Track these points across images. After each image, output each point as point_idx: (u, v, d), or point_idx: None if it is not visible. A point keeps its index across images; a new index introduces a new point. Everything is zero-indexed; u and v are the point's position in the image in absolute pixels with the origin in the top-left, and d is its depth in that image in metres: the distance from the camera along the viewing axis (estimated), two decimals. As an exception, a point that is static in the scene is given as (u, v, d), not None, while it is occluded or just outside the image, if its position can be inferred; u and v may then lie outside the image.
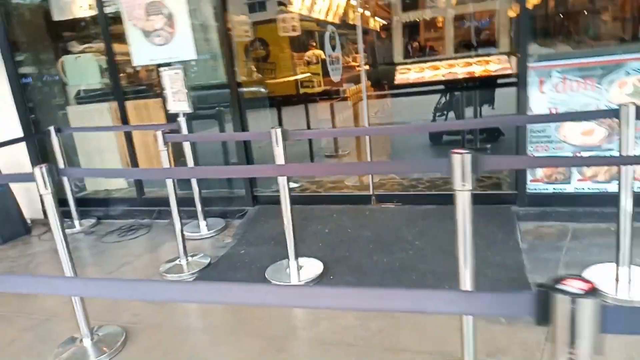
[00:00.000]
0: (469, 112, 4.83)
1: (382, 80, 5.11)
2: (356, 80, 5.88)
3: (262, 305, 1.08)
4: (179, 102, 3.38)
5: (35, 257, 3.44)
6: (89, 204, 4.07)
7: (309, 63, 6.20)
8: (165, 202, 3.90)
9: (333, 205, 3.53)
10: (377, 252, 2.82)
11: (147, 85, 4.78)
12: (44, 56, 4.48)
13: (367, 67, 5.87)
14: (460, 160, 1.41)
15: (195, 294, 1.07)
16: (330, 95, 5.27)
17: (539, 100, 2.91)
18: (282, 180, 2.57)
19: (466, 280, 1.53)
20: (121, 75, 4.25)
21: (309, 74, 5.92)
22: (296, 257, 2.67)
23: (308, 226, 3.23)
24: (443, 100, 5.04)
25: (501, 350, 1.91)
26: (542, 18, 3.29)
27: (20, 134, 4.05)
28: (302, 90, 5.61)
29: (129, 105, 4.05)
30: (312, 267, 2.70)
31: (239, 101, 3.62)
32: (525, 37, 2.83)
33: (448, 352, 1.92)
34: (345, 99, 5.50)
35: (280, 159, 2.53)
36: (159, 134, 2.73)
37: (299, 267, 2.67)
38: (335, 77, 4.63)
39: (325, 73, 4.72)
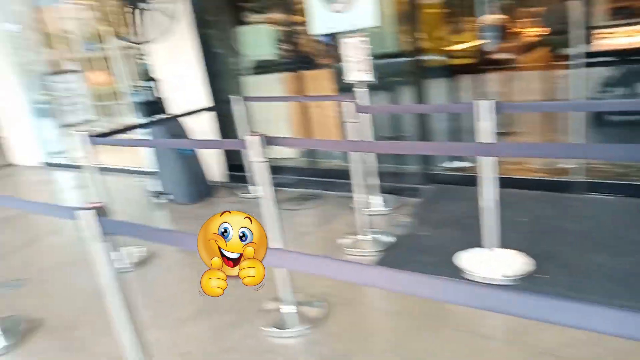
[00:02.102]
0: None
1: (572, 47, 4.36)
2: (528, 47, 5.16)
3: (480, 308, 0.85)
4: (360, 72, 3.25)
5: (220, 218, 3.70)
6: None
7: (467, 30, 5.65)
8: (336, 173, 3.92)
9: (523, 190, 3.12)
10: (594, 251, 2.39)
11: (314, 57, 4.78)
12: (222, 27, 4.73)
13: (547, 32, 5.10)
14: None
15: (401, 284, 1.00)
16: (502, 64, 4.71)
17: None
18: (488, 161, 2.27)
19: None
20: (291, 46, 4.30)
21: (472, 43, 5.38)
22: (496, 248, 2.38)
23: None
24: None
25: None
26: None
27: (203, 103, 4.36)
28: (464, 61, 5.12)
29: (298, 76, 4.08)
30: (517, 261, 2.38)
31: (419, 70, 3.37)
32: None
33: None
34: (519, 68, 4.87)
35: (486, 135, 2.23)
36: (352, 105, 2.62)
37: (500, 260, 2.38)
38: (496, 45, 4.22)
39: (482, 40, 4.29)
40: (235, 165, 4.47)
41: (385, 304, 2.25)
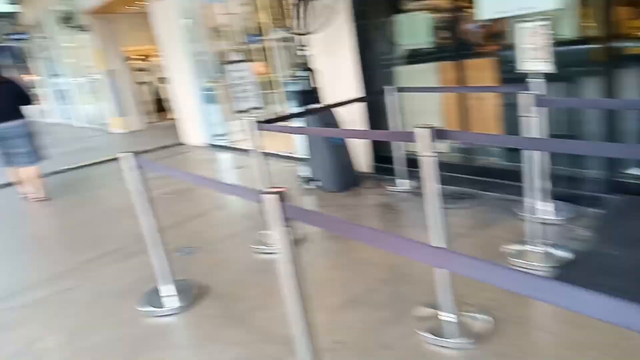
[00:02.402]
0: None
1: None
2: None
3: None
4: (538, 61, 2.88)
5: (367, 208, 3.69)
6: (414, 165, 4.11)
7: None
8: (494, 172, 3.60)
9: None
10: None
11: (474, 44, 4.43)
12: (378, 17, 4.64)
13: None
14: None
15: (595, 308, 0.84)
16: None
17: None
18: None
19: None
20: (448, 33, 4.02)
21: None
22: None
23: None
24: None
25: None
26: None
27: (356, 93, 4.35)
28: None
29: (455, 65, 3.80)
30: None
31: (609, 59, 2.87)
32: None
33: None
34: None
35: None
36: (529, 97, 2.32)
37: None
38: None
39: None
40: (382, 156, 4.41)
41: (563, 329, 1.96)
